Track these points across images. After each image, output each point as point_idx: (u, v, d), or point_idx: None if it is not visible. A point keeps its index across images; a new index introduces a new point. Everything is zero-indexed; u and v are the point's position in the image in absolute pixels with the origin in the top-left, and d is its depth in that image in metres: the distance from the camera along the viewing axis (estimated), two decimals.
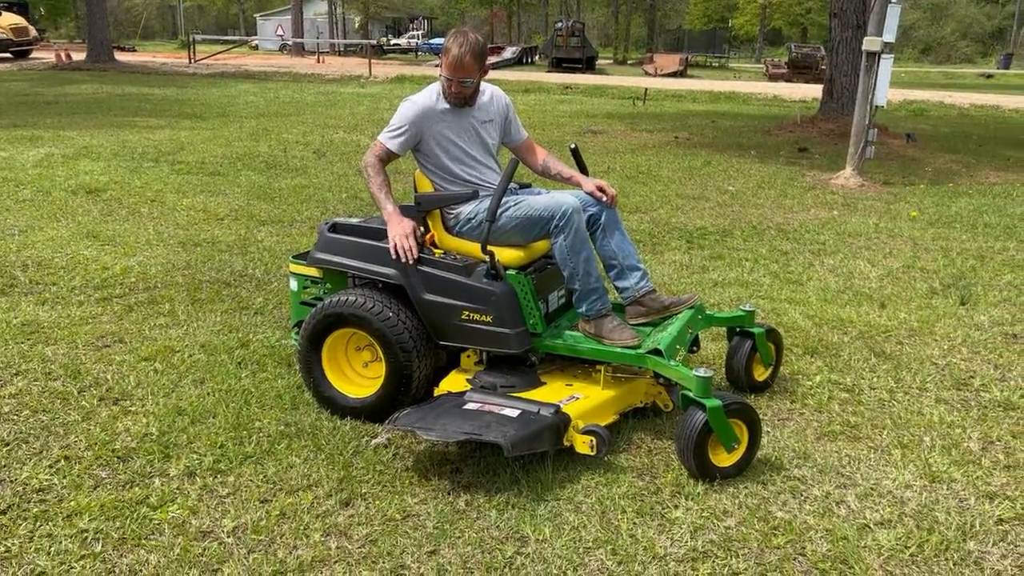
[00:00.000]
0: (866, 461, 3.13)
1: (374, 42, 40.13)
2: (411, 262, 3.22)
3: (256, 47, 47.47)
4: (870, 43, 8.93)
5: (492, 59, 33.81)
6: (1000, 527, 2.73)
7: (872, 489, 2.93)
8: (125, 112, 14.34)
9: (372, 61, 29.18)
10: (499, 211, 3.24)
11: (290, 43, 44.00)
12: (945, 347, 4.34)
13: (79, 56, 28.44)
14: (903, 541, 2.62)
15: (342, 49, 45.15)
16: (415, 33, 47.96)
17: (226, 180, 8.39)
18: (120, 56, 30.85)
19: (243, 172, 8.84)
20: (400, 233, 3.25)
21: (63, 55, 28.18)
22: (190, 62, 30.32)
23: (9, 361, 3.79)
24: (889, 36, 8.81)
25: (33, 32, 31.46)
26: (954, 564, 2.52)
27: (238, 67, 29.37)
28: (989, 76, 41.44)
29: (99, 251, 5.63)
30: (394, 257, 3.23)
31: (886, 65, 8.92)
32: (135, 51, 40.63)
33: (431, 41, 42.18)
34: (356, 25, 54.78)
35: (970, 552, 2.59)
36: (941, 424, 3.46)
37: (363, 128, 13.04)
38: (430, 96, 3.44)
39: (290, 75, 26.25)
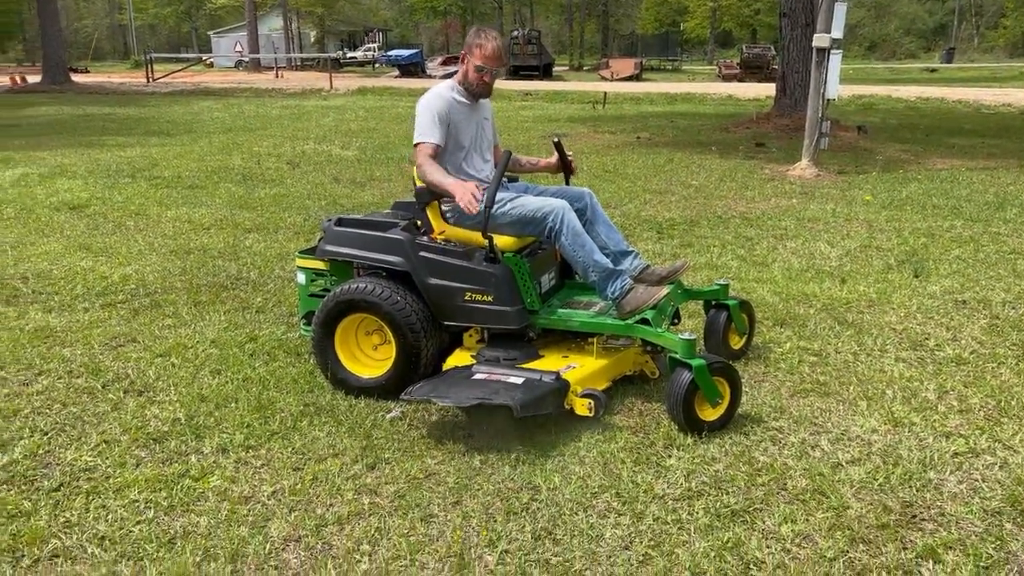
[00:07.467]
0: (836, 412, 3.47)
1: (335, 55, 40.17)
2: (479, 207, 3.37)
3: (211, 64, 47.30)
4: (819, 40, 9.40)
5: (451, 68, 34.10)
6: (956, 459, 3.07)
7: (843, 434, 3.27)
8: (91, 132, 14.39)
9: (331, 74, 29.35)
10: (495, 205, 3.51)
11: (247, 59, 43.90)
12: (902, 314, 4.71)
13: (34, 79, 28.21)
14: (872, 474, 2.96)
15: (299, 63, 45.16)
16: (371, 46, 48.06)
17: (205, 192, 8.57)
18: (76, 77, 30.64)
19: (221, 184, 9.03)
20: (469, 188, 3.38)
21: (18, 79, 27.93)
22: (148, 81, 30.23)
23: (30, 363, 3.99)
24: (837, 32, 9.29)
25: None
26: (916, 490, 2.86)
27: (197, 84, 29.37)
28: (933, 70, 42.72)
29: (94, 262, 5.81)
30: (470, 209, 3.35)
31: (835, 60, 9.40)
32: (88, 72, 40.26)
33: (388, 53, 42.28)
34: (312, 40, 54.78)
35: (930, 480, 2.93)
36: (901, 379, 3.82)
37: (332, 139, 13.25)
38: (446, 91, 3.73)
39: (251, 90, 26.31)
